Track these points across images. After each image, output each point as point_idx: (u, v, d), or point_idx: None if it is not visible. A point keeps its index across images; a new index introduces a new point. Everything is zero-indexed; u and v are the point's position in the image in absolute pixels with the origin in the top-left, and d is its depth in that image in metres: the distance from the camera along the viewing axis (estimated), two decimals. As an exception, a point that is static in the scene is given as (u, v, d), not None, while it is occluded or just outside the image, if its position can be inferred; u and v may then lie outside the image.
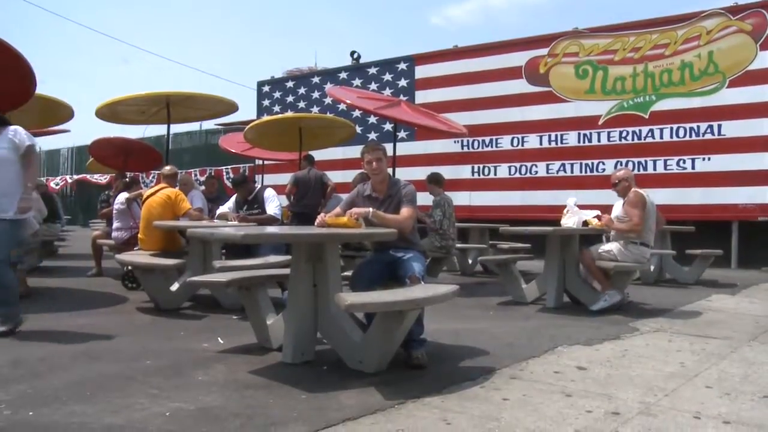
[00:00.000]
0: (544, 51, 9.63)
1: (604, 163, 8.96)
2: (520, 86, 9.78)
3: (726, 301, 5.34)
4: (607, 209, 5.13)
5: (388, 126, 10.37)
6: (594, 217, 4.98)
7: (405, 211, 3.20)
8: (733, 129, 8.19)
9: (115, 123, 8.05)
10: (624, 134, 8.98)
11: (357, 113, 10.71)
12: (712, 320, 4.33)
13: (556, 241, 4.85)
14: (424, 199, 6.16)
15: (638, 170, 8.63)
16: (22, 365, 2.78)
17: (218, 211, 5.31)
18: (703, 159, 8.38)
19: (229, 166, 14.27)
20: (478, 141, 10.11)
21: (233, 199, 5.34)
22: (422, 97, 10.63)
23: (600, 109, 9.15)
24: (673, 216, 7.76)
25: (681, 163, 8.53)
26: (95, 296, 5.07)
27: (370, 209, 3.15)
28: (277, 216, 5.10)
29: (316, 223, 3.22)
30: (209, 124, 16.34)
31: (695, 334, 3.77)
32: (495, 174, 10.00)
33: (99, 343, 3.28)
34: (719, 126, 8.30)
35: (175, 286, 4.49)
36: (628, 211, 4.71)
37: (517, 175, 9.77)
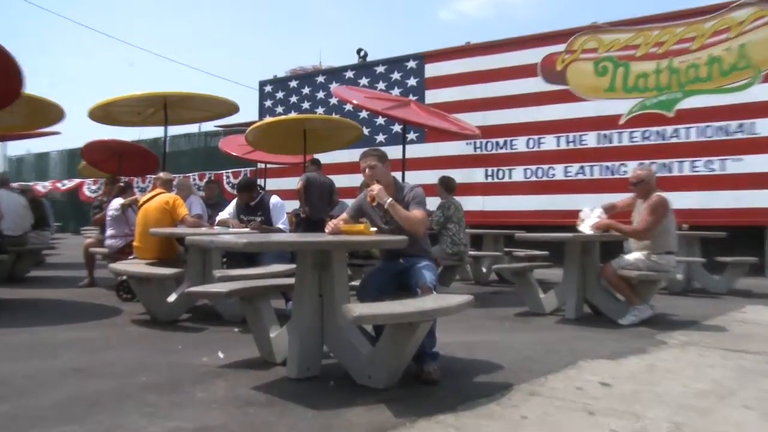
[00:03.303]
0: (561, 47, 9.61)
1: (625, 165, 8.89)
2: (535, 85, 9.75)
3: (762, 312, 5.25)
4: (627, 214, 5.07)
5: (396, 127, 10.36)
6: (598, 216, 4.85)
7: (417, 213, 3.21)
8: (767, 127, 8.10)
9: (109, 125, 8.11)
10: (647, 134, 8.92)
11: (364, 114, 10.72)
12: (748, 333, 4.26)
13: (575, 248, 4.82)
14: (434, 203, 6.17)
15: (663, 172, 8.56)
16: (7, 383, 2.77)
17: (218, 218, 5.32)
18: (734, 160, 8.29)
19: (229, 170, 14.34)
20: (492, 143, 10.09)
21: (233, 204, 5.35)
22: (432, 96, 10.63)
23: (621, 108, 9.09)
24: (702, 221, 7.68)
25: (709, 164, 8.45)
26: (87, 308, 5.09)
27: (390, 198, 3.19)
28: (285, 230, 5.13)
29: (328, 230, 3.24)
30: (208, 126, 16.47)
31: (729, 348, 3.71)
32: (510, 177, 9.96)
33: (91, 358, 3.28)
34: (752, 124, 8.21)
35: (172, 297, 4.50)
36: (645, 218, 4.62)
37: (534, 178, 9.73)
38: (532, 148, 9.77)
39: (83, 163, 9.81)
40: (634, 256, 4.71)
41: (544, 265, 5.82)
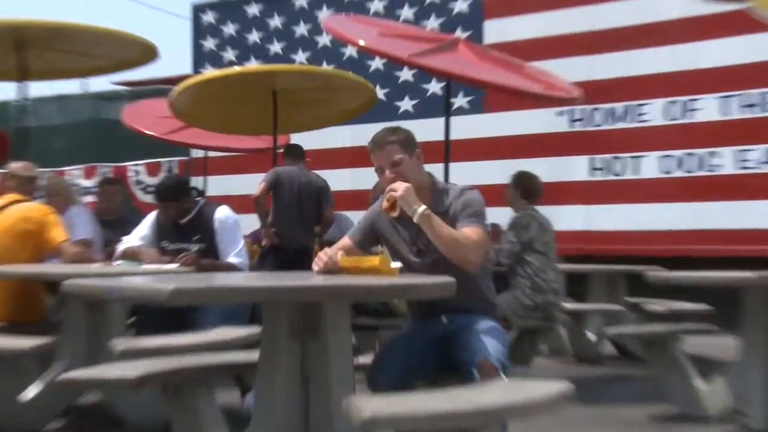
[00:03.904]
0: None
1: None
2: (683, 6, 9.74)
3: None
4: None
5: (434, 86, 10.42)
6: None
7: (470, 232, 3.24)
8: None
9: None
10: None
11: (378, 63, 10.86)
12: None
13: (761, 297, 4.78)
14: (501, 217, 6.15)
15: None
16: None
17: (121, 246, 5.37)
18: None
19: (140, 162, 14.42)
20: (603, 111, 10.07)
21: (150, 221, 5.40)
22: (497, 31, 10.68)
23: None
24: None
25: None
26: None
27: (422, 206, 3.20)
28: (241, 266, 5.19)
29: (318, 267, 3.26)
30: (103, 84, 16.60)
31: None
32: (635, 172, 9.90)
33: None
34: None
35: (32, 391, 4.48)
36: None
37: (679, 172, 9.67)
38: (677, 118, 9.72)
39: None
40: None
41: (702, 329, 5.78)
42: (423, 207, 3.20)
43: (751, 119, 9.37)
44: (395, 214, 3.27)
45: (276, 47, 12.56)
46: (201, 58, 13.09)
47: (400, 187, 3.22)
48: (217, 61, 12.78)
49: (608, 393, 5.82)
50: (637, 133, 9.91)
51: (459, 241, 3.21)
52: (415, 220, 3.21)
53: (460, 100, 10.09)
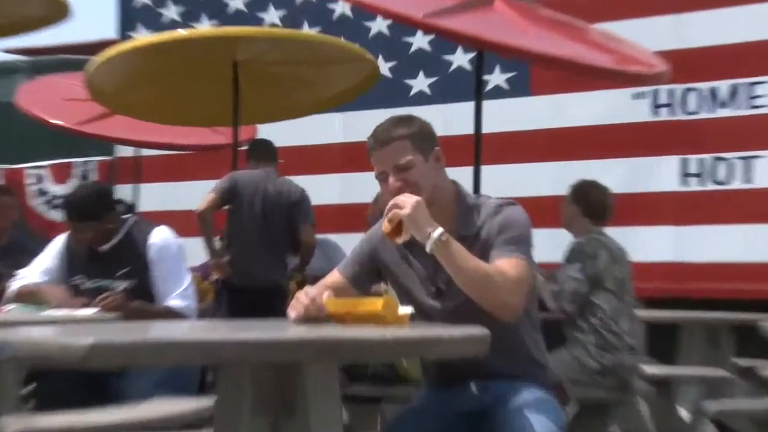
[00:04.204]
0: None
1: None
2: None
3: None
4: None
5: (460, 59, 10.46)
6: None
7: (505, 265, 3.23)
8: None
9: None
10: None
11: (381, 26, 10.91)
12: None
13: None
14: (552, 242, 6.20)
15: None
16: None
17: (14, 283, 5.38)
18: None
19: (43, 164, 14.45)
20: (698, 93, 10.07)
21: (57, 248, 5.42)
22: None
23: None
24: None
25: None
26: None
27: (438, 228, 3.16)
28: (186, 312, 5.20)
29: (296, 313, 3.26)
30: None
31: None
32: (747, 179, 9.86)
33: None
34: None
35: None
36: None
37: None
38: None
39: None
40: None
41: None
42: (439, 230, 3.15)
43: None
44: (401, 240, 3.24)
45: (237, 2, 12.55)
46: (131, 18, 13.04)
47: (407, 203, 3.17)
48: (153, 21, 12.74)
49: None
50: (750, 123, 9.87)
51: (490, 278, 3.18)
52: (427, 248, 3.17)
53: (496, 78, 10.11)
